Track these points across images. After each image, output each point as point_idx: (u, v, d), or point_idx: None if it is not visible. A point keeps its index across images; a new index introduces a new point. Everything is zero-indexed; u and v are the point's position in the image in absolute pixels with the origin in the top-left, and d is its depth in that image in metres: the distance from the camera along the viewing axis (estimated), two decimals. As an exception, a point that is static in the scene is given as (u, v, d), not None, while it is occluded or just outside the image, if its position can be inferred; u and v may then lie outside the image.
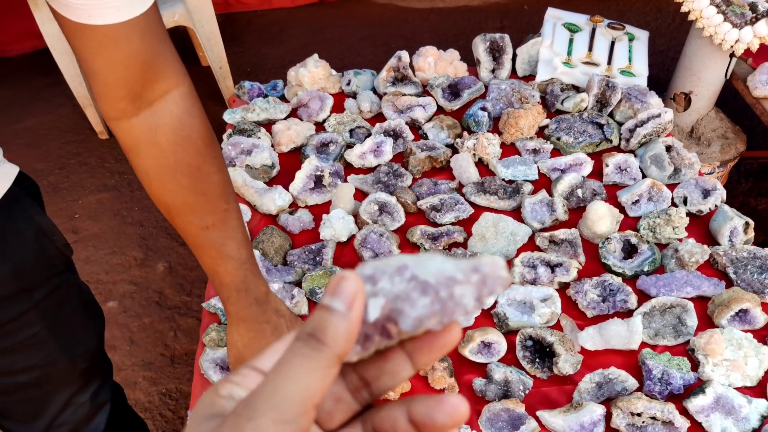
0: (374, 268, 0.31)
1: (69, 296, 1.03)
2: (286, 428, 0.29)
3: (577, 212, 1.32)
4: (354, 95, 1.65)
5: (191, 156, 0.76)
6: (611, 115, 1.53)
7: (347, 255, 1.27)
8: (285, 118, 1.58)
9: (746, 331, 1.08)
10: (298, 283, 1.20)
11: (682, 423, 0.95)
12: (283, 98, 1.68)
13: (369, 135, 1.52)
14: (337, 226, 1.27)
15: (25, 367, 0.99)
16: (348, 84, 1.66)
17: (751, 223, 1.22)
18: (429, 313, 0.30)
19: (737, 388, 1.02)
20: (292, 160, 1.49)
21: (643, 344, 1.09)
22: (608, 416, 0.98)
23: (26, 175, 0.97)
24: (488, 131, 1.50)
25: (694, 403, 0.97)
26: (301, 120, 1.58)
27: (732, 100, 2.83)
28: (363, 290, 0.30)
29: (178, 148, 0.75)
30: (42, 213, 0.96)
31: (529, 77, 1.69)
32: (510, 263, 1.20)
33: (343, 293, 0.30)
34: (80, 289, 1.08)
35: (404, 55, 1.62)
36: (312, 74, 1.63)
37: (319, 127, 1.58)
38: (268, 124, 1.58)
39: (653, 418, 0.96)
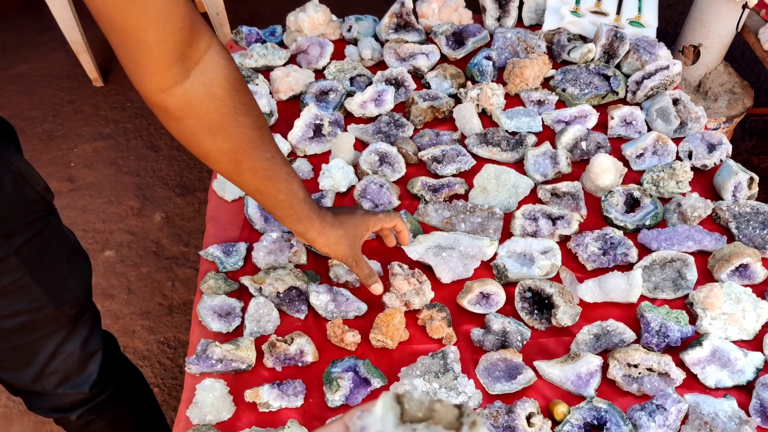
0: None
1: (52, 242, 1.01)
2: None
3: (580, 165, 1.30)
4: (355, 42, 1.60)
5: (246, 96, 0.81)
6: (618, 66, 1.50)
7: (346, 205, 1.26)
8: (284, 65, 1.54)
9: (746, 286, 1.08)
10: (296, 233, 1.19)
11: (677, 375, 0.95)
12: (281, 44, 1.63)
13: (370, 83, 1.48)
14: (336, 176, 1.26)
15: (10, 312, 0.98)
16: (349, 30, 1.61)
17: (756, 178, 1.20)
18: None
19: (734, 342, 1.02)
20: (290, 108, 1.46)
21: (642, 297, 1.09)
22: (605, 367, 0.98)
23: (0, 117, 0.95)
24: (492, 81, 1.46)
25: (691, 356, 0.98)
26: (300, 67, 1.54)
27: (741, 55, 2.77)
28: None
29: (233, 93, 0.78)
30: (20, 156, 0.93)
31: (536, 26, 1.65)
32: (511, 215, 1.19)
33: None
34: (65, 235, 1.07)
35: (407, 0, 1.57)
36: (312, 19, 1.58)
37: (319, 74, 1.54)
38: (266, 71, 1.54)
39: (650, 369, 0.96)
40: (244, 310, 1.08)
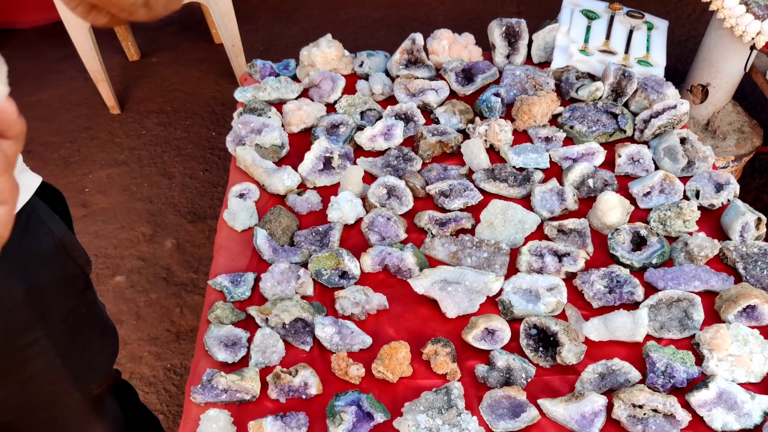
0: None
1: (86, 319, 0.96)
2: None
3: (587, 202, 1.31)
4: (366, 77, 1.64)
5: None
6: (626, 104, 1.51)
7: (354, 237, 1.27)
8: (296, 98, 1.58)
9: (753, 327, 1.07)
10: (304, 264, 1.20)
11: (683, 416, 0.94)
12: (294, 78, 1.67)
13: (380, 118, 1.51)
14: (345, 209, 1.27)
15: (35, 399, 0.92)
16: (361, 65, 1.64)
17: (764, 218, 1.20)
18: None
19: (741, 384, 1.01)
20: (302, 140, 1.48)
21: (648, 337, 1.08)
22: (609, 407, 0.98)
23: (49, 185, 0.90)
24: (501, 117, 1.49)
25: (697, 397, 0.97)
26: (312, 100, 1.57)
27: (750, 93, 2.78)
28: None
29: None
30: (63, 226, 0.88)
31: (545, 64, 1.67)
32: (517, 251, 1.19)
33: None
34: (99, 309, 1.02)
35: (418, 37, 1.60)
36: (325, 54, 1.61)
37: (330, 108, 1.57)
38: (279, 104, 1.57)
39: (655, 410, 0.95)
40: (250, 340, 1.09)
